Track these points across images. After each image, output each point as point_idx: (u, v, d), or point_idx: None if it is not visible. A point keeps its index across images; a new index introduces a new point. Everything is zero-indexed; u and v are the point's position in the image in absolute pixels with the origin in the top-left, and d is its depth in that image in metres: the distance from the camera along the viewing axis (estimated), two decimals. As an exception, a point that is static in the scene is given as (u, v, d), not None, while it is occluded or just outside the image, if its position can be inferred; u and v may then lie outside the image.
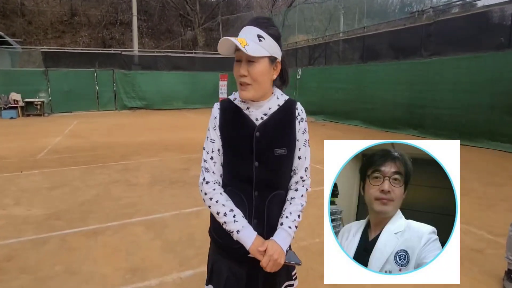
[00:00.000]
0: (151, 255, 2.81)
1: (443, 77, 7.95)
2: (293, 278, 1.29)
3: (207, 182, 1.15)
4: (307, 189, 1.21)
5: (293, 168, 1.20)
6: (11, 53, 14.67)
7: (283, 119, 1.16)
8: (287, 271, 1.25)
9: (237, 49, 1.08)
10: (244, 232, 1.10)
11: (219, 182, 1.18)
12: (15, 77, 13.98)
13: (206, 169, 1.16)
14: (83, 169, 5.58)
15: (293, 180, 1.21)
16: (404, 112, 9.07)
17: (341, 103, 11.46)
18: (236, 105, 1.16)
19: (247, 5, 24.61)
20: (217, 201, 1.13)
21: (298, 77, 14.10)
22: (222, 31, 23.27)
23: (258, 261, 1.12)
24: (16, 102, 13.92)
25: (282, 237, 1.12)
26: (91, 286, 2.40)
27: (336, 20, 17.29)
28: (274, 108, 1.16)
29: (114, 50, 16.90)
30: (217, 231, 1.19)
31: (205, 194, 1.15)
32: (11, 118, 13.56)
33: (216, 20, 20.91)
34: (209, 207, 1.16)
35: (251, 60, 1.08)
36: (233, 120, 1.15)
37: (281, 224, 1.15)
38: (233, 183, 1.16)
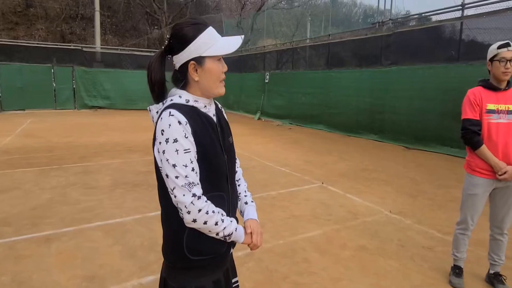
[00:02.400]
0: (110, 261, 2.70)
1: (401, 85, 8.45)
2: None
3: (198, 198, 1.05)
4: (240, 168, 1.40)
5: None
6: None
7: (221, 112, 1.26)
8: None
9: None
10: (239, 228, 1.17)
11: (202, 192, 1.09)
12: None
13: (191, 184, 1.04)
14: (37, 171, 5.24)
15: None
16: (366, 117, 9.50)
17: (307, 107, 11.76)
18: (192, 106, 1.11)
19: (216, 7, 24.50)
20: (213, 212, 1.08)
21: (266, 81, 14.27)
22: (190, 32, 22.91)
23: (229, 256, 1.25)
24: (-40, 98, 12.74)
25: (253, 212, 1.30)
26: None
27: (303, 26, 17.77)
28: (213, 104, 1.24)
29: (74, 46, 16.04)
30: (202, 250, 1.13)
31: (200, 211, 1.04)
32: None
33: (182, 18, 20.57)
34: (205, 223, 1.06)
35: (223, 58, 1.15)
36: (201, 121, 1.11)
37: (246, 203, 1.32)
38: (213, 185, 1.13)
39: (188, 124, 1.05)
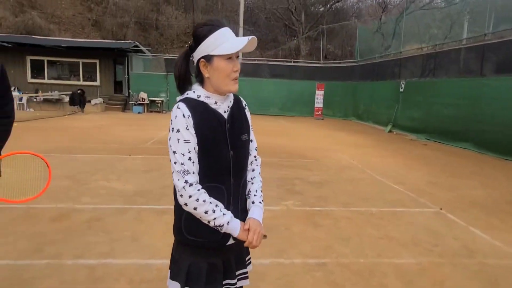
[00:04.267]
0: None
1: None
2: (249, 252, 1.45)
3: (190, 185, 1.14)
4: (260, 166, 1.41)
5: (249, 150, 1.36)
6: (144, 59, 17.81)
7: (239, 110, 1.31)
8: (247, 247, 1.36)
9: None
10: (232, 222, 1.21)
11: (198, 181, 1.18)
12: (144, 79, 16.91)
13: (186, 171, 1.15)
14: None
15: (249, 160, 1.36)
16: (531, 137, 7.38)
17: (450, 121, 10.02)
18: (202, 102, 1.21)
19: (354, 14, 23.82)
20: (204, 201, 1.15)
21: (401, 90, 12.94)
22: (326, 40, 23.10)
23: (233, 248, 1.27)
24: (143, 100, 16.82)
25: (257, 212, 1.30)
26: (144, 253, 2.82)
27: (458, 26, 15.15)
28: (232, 101, 1.30)
29: (221, 58, 18.74)
30: (196, 233, 1.22)
31: (190, 197, 1.14)
32: (139, 113, 16.44)
33: (318, 29, 20.91)
34: (195, 209, 1.16)
35: (237, 56, 1.22)
36: (206, 116, 1.20)
37: (253, 202, 1.32)
38: (212, 176, 1.21)
39: (190, 118, 1.16)
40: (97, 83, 17.07)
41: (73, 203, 3.93)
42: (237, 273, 1.35)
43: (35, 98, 15.48)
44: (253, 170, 1.38)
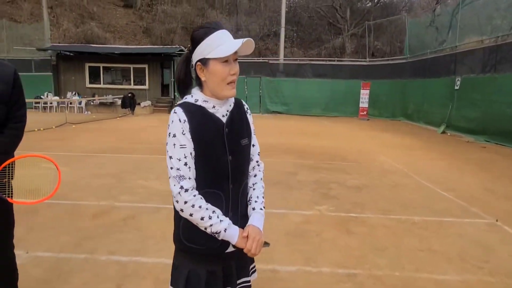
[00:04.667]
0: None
1: None
2: (254, 260, 1.41)
3: (185, 190, 1.12)
4: (263, 172, 1.37)
5: (251, 155, 1.32)
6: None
7: (239, 114, 1.27)
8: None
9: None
10: (230, 229, 1.17)
11: (195, 187, 1.16)
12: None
13: (181, 177, 1.13)
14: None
15: (251, 165, 1.33)
16: None
17: (513, 121, 8.97)
18: (200, 106, 1.18)
19: (405, 7, 22.43)
20: (200, 207, 1.13)
21: (457, 87, 11.89)
22: (374, 37, 22.08)
23: (233, 255, 1.23)
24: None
25: (258, 219, 1.25)
26: (172, 253, 2.87)
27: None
28: (232, 105, 1.25)
29: (262, 59, 18.75)
30: (194, 240, 1.20)
31: (185, 202, 1.12)
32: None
33: (363, 26, 20.00)
34: (191, 215, 1.13)
35: (236, 59, 1.17)
36: (203, 121, 1.17)
37: (253, 208, 1.27)
38: (210, 182, 1.18)
39: (186, 122, 1.13)
40: (146, 86, 18.07)
41: (114, 200, 4.16)
42: (239, 281, 1.31)
43: (92, 101, 16.84)
44: (255, 176, 1.34)
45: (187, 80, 1.24)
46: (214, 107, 1.19)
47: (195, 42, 1.16)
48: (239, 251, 1.20)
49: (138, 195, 4.40)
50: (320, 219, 3.70)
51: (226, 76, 1.15)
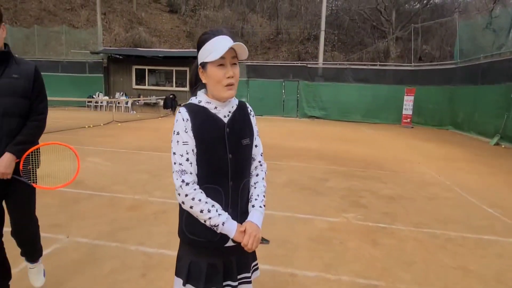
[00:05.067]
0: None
1: None
2: (256, 258, 1.47)
3: (186, 184, 1.20)
4: (265, 172, 1.42)
5: (253, 155, 1.38)
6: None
7: (242, 115, 1.34)
8: (253, 252, 1.40)
9: (232, 54, 1.22)
10: (228, 223, 1.23)
11: (196, 181, 1.24)
12: (228, 85, 17.97)
13: (183, 171, 1.21)
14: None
15: (253, 165, 1.39)
16: None
17: None
18: (203, 107, 1.27)
19: (458, 9, 21.01)
20: (199, 200, 1.20)
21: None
22: (421, 40, 20.97)
23: (233, 250, 1.28)
24: (226, 104, 17.86)
25: (257, 216, 1.30)
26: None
27: None
28: (235, 107, 1.33)
29: (300, 63, 18.62)
30: (195, 232, 1.27)
31: (186, 195, 1.19)
32: (221, 116, 17.52)
33: (409, 28, 19.05)
34: (191, 208, 1.20)
35: (234, 63, 1.23)
36: (205, 120, 1.25)
37: (253, 206, 1.33)
38: (210, 178, 1.25)
39: (189, 121, 1.23)
40: (187, 88, 18.81)
41: (148, 195, 4.39)
42: (239, 276, 1.35)
43: (137, 102, 17.87)
44: (257, 175, 1.39)
45: (196, 82, 1.33)
46: (216, 108, 1.27)
47: (198, 47, 1.26)
48: (238, 246, 1.25)
49: (170, 192, 4.59)
50: (346, 227, 3.61)
51: (221, 79, 1.22)
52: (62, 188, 2.14)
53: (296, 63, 18.92)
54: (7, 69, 1.83)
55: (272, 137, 10.37)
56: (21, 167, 1.90)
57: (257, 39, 24.18)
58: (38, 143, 2.00)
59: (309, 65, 18.05)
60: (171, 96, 17.12)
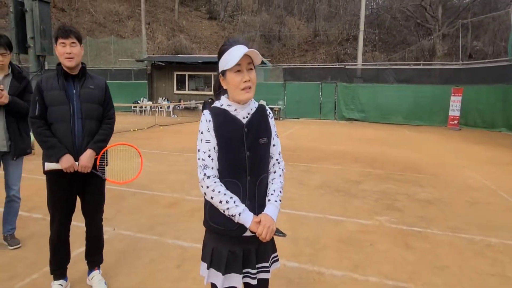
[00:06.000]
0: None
1: None
2: (276, 250, 1.58)
3: (208, 177, 1.35)
4: (283, 170, 1.52)
5: (271, 154, 1.50)
6: (264, 69, 19.16)
7: (260, 117, 1.47)
8: (272, 244, 1.54)
9: (248, 61, 1.38)
10: (244, 214, 1.36)
11: (217, 175, 1.38)
12: (264, 88, 18.15)
13: (205, 166, 1.36)
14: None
15: (271, 163, 1.51)
16: None
17: None
18: (224, 109, 1.42)
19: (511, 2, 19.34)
20: (219, 192, 1.35)
21: None
22: (471, 36, 19.67)
23: (252, 239, 1.41)
24: (262, 107, 18.08)
25: (271, 209, 1.41)
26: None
27: None
28: (254, 109, 1.46)
29: (338, 65, 18.29)
30: (217, 221, 1.42)
31: (207, 187, 1.35)
32: (258, 119, 17.75)
33: (456, 25, 17.88)
34: (212, 198, 1.36)
35: (251, 69, 1.38)
36: (225, 121, 1.40)
37: (269, 200, 1.44)
38: (230, 173, 1.40)
39: (211, 122, 1.39)
40: (225, 92, 19.34)
41: (185, 194, 4.67)
42: (258, 265, 1.47)
43: (178, 106, 18.73)
44: (274, 172, 1.51)
45: (219, 88, 1.50)
46: (235, 110, 1.42)
47: (218, 58, 1.42)
48: (256, 236, 1.37)
49: (205, 191, 4.84)
50: (378, 230, 3.56)
51: (239, 84, 1.37)
52: (122, 184, 2.47)
53: (334, 65, 18.64)
54: (86, 81, 2.25)
55: (308, 139, 10.35)
56: (97, 163, 2.28)
57: (295, 42, 24.18)
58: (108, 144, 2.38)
59: (347, 67, 17.69)
60: (209, 100, 17.61)
